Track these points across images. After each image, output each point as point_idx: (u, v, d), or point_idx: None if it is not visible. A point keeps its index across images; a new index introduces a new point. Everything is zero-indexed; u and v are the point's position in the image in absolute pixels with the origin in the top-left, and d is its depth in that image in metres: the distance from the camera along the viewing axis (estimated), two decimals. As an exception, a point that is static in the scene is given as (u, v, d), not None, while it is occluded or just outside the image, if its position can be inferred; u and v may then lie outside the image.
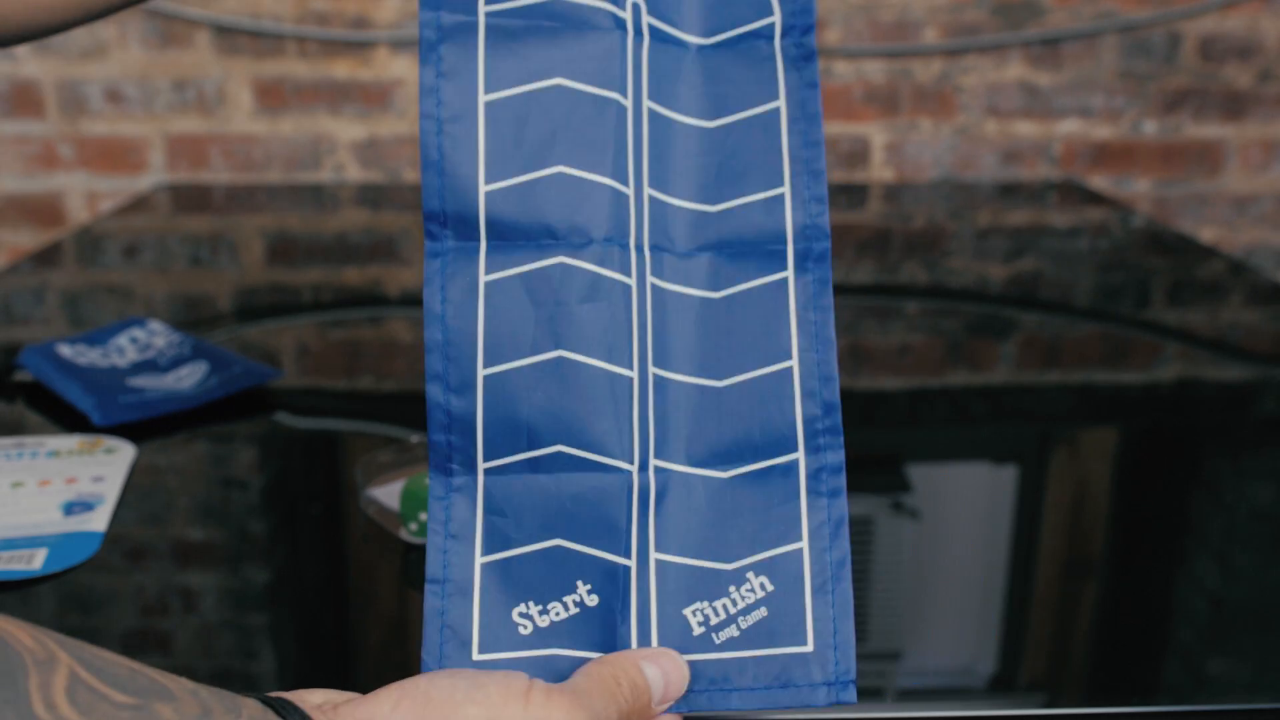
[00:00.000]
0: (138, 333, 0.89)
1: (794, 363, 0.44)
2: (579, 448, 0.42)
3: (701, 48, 0.46)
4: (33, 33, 0.56)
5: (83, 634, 0.55)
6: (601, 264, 0.43)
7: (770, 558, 0.43)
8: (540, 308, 0.43)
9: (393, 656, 0.55)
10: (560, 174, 0.44)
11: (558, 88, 0.44)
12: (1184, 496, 0.70)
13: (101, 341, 0.87)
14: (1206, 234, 1.71)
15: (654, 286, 0.44)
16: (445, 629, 0.41)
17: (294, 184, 1.56)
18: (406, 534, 0.61)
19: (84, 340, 0.87)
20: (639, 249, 0.44)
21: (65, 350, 0.85)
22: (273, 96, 1.59)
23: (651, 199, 0.45)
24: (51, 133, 1.60)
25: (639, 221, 0.44)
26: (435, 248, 0.43)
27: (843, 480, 0.43)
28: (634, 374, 0.43)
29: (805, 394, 0.44)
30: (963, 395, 0.86)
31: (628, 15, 0.45)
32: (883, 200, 1.49)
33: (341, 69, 1.58)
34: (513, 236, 0.43)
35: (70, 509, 0.65)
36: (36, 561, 0.59)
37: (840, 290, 1.09)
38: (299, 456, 0.77)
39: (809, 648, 0.42)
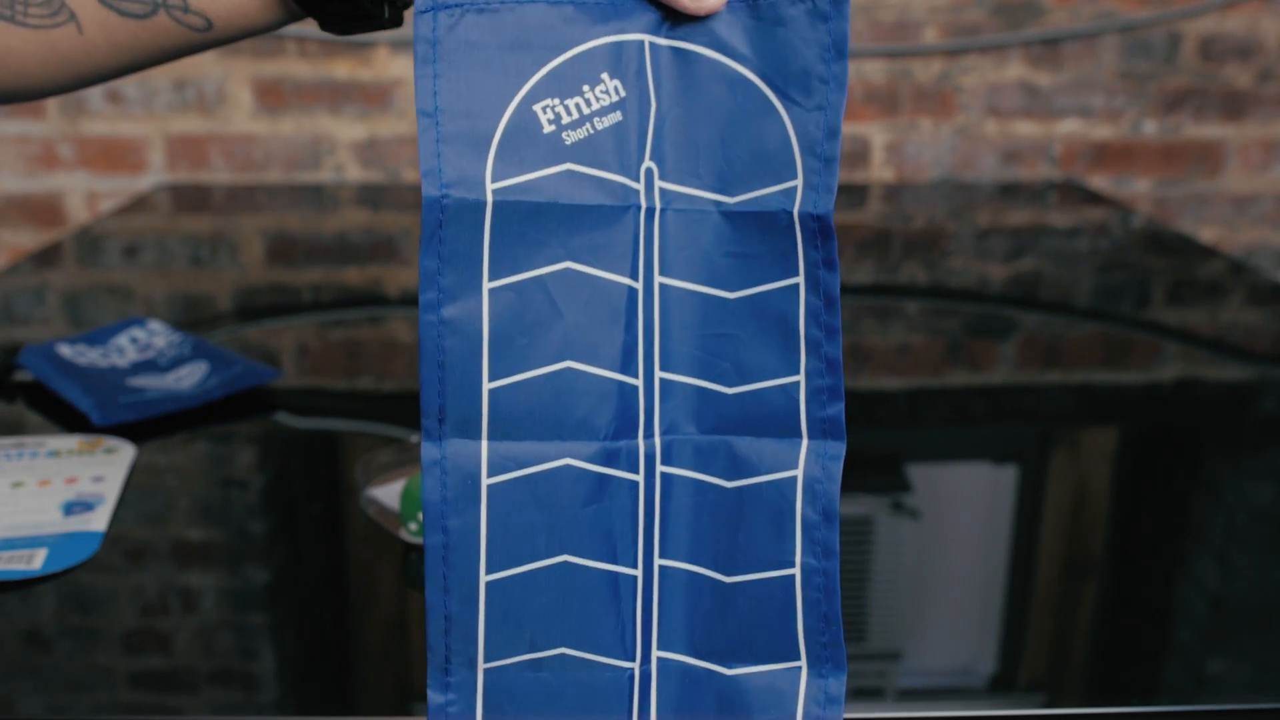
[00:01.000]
0: (138, 333, 0.89)
1: (796, 571, 0.43)
2: (582, 650, 0.42)
3: (724, 211, 0.43)
4: (41, 91, 0.56)
5: (83, 634, 0.55)
6: (608, 464, 0.42)
7: None
8: (545, 511, 0.42)
9: (392, 657, 0.55)
10: (568, 369, 0.42)
11: (566, 272, 0.42)
12: (1184, 496, 0.70)
13: (101, 341, 0.87)
14: (1206, 234, 1.71)
15: (664, 475, 0.43)
16: None
17: (294, 184, 1.56)
18: (406, 534, 0.61)
19: (84, 340, 0.87)
20: (649, 437, 0.43)
21: (65, 350, 0.85)
22: (273, 96, 1.59)
23: (664, 383, 0.43)
24: (51, 133, 1.60)
25: (649, 409, 0.43)
26: (434, 447, 0.41)
27: (840, 706, 0.43)
28: (639, 571, 0.43)
29: (807, 606, 0.43)
30: (963, 395, 0.86)
31: (640, 185, 0.43)
32: (883, 200, 1.49)
33: (341, 69, 1.58)
34: (517, 435, 0.42)
35: (70, 509, 0.65)
36: (36, 561, 0.59)
37: (841, 290, 1.09)
38: (299, 456, 0.77)
39: None
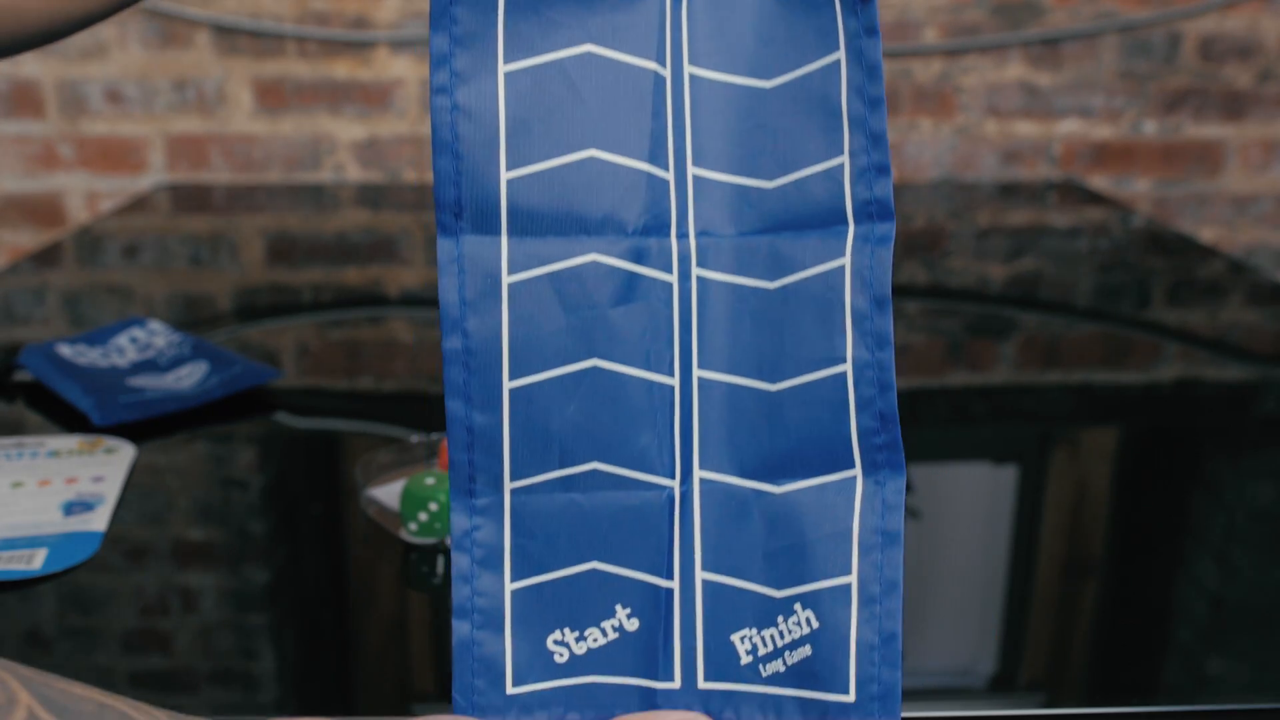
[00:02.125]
0: (138, 333, 0.89)
1: (848, 367, 0.40)
2: (616, 464, 0.39)
3: None
4: (24, 42, 0.55)
5: (83, 634, 0.55)
6: (639, 260, 0.39)
7: (817, 590, 0.39)
8: (571, 312, 0.39)
9: (392, 657, 0.55)
10: (592, 159, 0.39)
11: (587, 55, 0.39)
12: (1184, 496, 0.70)
13: (101, 341, 0.87)
14: (1206, 234, 1.71)
15: (700, 279, 0.39)
16: (476, 663, 0.39)
17: (294, 184, 1.56)
18: (406, 534, 0.61)
19: (84, 340, 0.87)
20: (682, 237, 0.39)
21: (65, 350, 0.85)
22: (273, 96, 1.59)
23: (697, 179, 0.40)
24: (51, 133, 1.60)
25: (681, 207, 0.39)
26: (450, 244, 0.38)
27: (900, 512, 0.40)
28: (675, 380, 0.39)
29: (860, 404, 0.40)
30: (963, 395, 0.86)
31: None
32: (883, 200, 1.49)
33: (341, 69, 1.58)
34: (539, 230, 0.38)
35: (70, 509, 0.65)
36: (36, 561, 0.59)
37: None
38: (299, 456, 0.77)
39: (850, 698, 0.39)
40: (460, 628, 0.39)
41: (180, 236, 1.31)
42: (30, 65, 1.57)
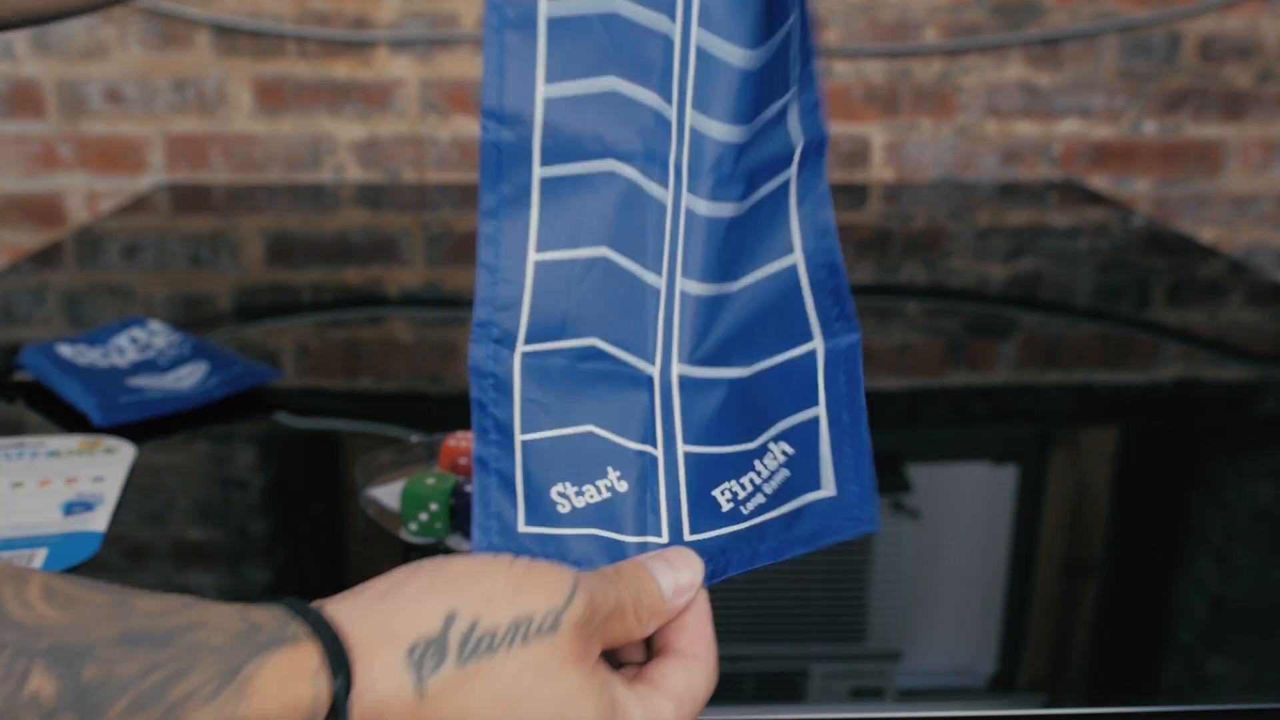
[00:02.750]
0: (138, 333, 0.89)
1: (797, 256, 0.46)
2: (610, 343, 0.45)
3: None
4: (29, 19, 0.56)
5: (83, 634, 0.55)
6: (645, 176, 0.45)
7: (790, 426, 0.45)
8: (589, 205, 0.44)
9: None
10: (613, 90, 0.45)
11: (614, 16, 0.45)
12: (1184, 496, 0.70)
13: (101, 341, 0.87)
14: (1206, 234, 1.71)
15: (687, 208, 0.45)
16: (491, 505, 0.43)
17: (294, 184, 1.56)
18: (406, 534, 0.61)
19: (84, 340, 0.87)
20: (677, 170, 0.45)
21: (65, 350, 0.85)
22: (273, 96, 1.59)
23: (692, 129, 0.46)
24: (51, 133, 1.60)
25: (679, 145, 0.45)
26: (491, 140, 0.44)
27: (858, 354, 0.46)
28: (662, 283, 0.45)
29: (813, 285, 0.46)
30: (963, 395, 0.86)
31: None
32: (883, 200, 1.49)
33: (341, 69, 1.58)
34: (566, 140, 0.44)
35: (70, 509, 0.65)
36: (36, 561, 0.59)
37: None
38: (299, 456, 0.77)
39: (831, 491, 0.44)
40: (480, 475, 0.43)
41: (180, 236, 1.31)
42: (30, 65, 1.57)
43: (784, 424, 0.45)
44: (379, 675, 0.32)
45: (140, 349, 0.87)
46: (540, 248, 0.44)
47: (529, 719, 0.34)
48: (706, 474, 0.44)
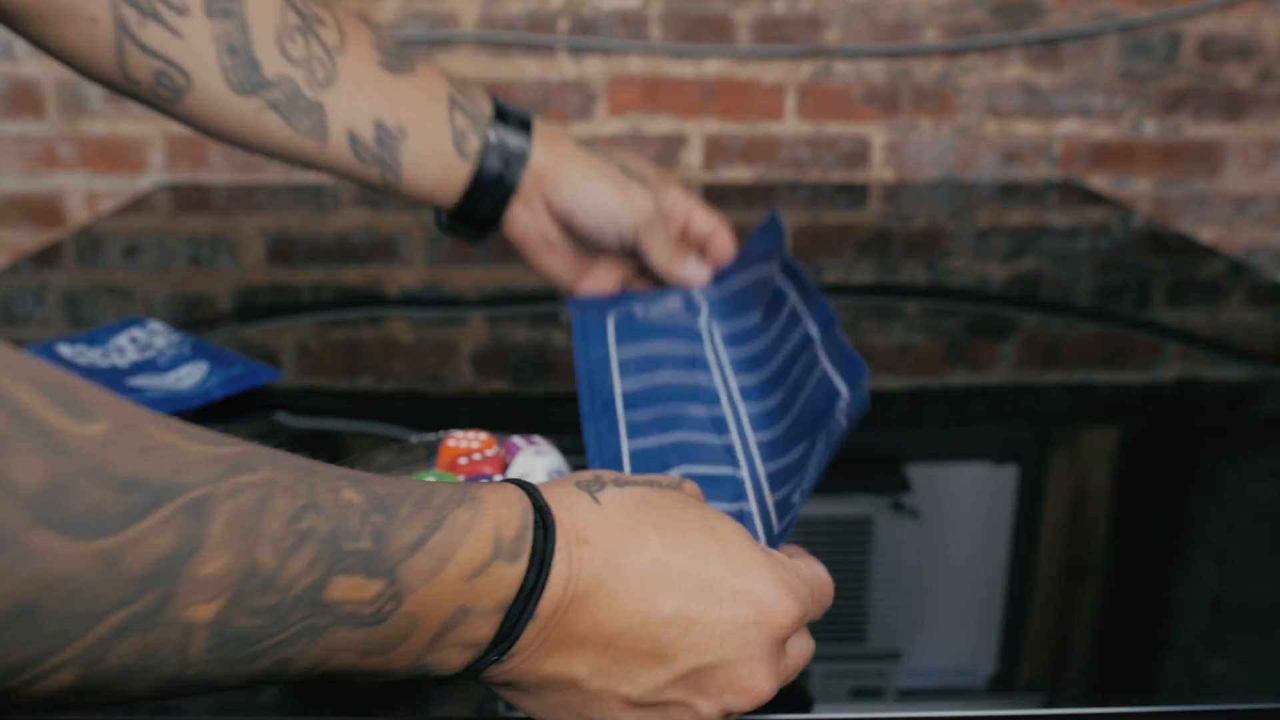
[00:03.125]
0: (138, 333, 0.89)
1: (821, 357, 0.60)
2: (696, 465, 0.57)
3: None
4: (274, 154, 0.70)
5: (83, 634, 0.55)
6: (706, 406, 0.62)
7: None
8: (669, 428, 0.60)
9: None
10: (667, 380, 0.64)
11: (663, 354, 0.67)
12: (1184, 496, 0.70)
13: (101, 341, 0.87)
14: (1206, 234, 1.71)
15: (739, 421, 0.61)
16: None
17: (294, 184, 1.56)
18: (406, 534, 0.61)
19: (84, 340, 0.87)
20: (733, 408, 0.62)
21: (65, 350, 0.85)
22: (273, 96, 1.59)
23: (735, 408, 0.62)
24: (51, 133, 1.60)
25: (733, 411, 0.62)
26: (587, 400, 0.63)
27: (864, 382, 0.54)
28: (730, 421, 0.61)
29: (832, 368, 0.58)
30: (963, 395, 0.86)
31: (703, 325, 0.72)
32: (883, 200, 1.49)
33: (341, 69, 1.58)
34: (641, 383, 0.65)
35: (70, 509, 0.64)
36: (36, 561, 0.59)
37: (841, 290, 1.09)
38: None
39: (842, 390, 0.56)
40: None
41: (180, 236, 1.31)
42: (30, 65, 1.57)
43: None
44: (561, 494, 0.42)
45: (140, 349, 0.87)
46: (630, 437, 0.59)
47: (692, 540, 0.42)
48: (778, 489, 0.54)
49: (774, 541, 0.50)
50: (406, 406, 0.82)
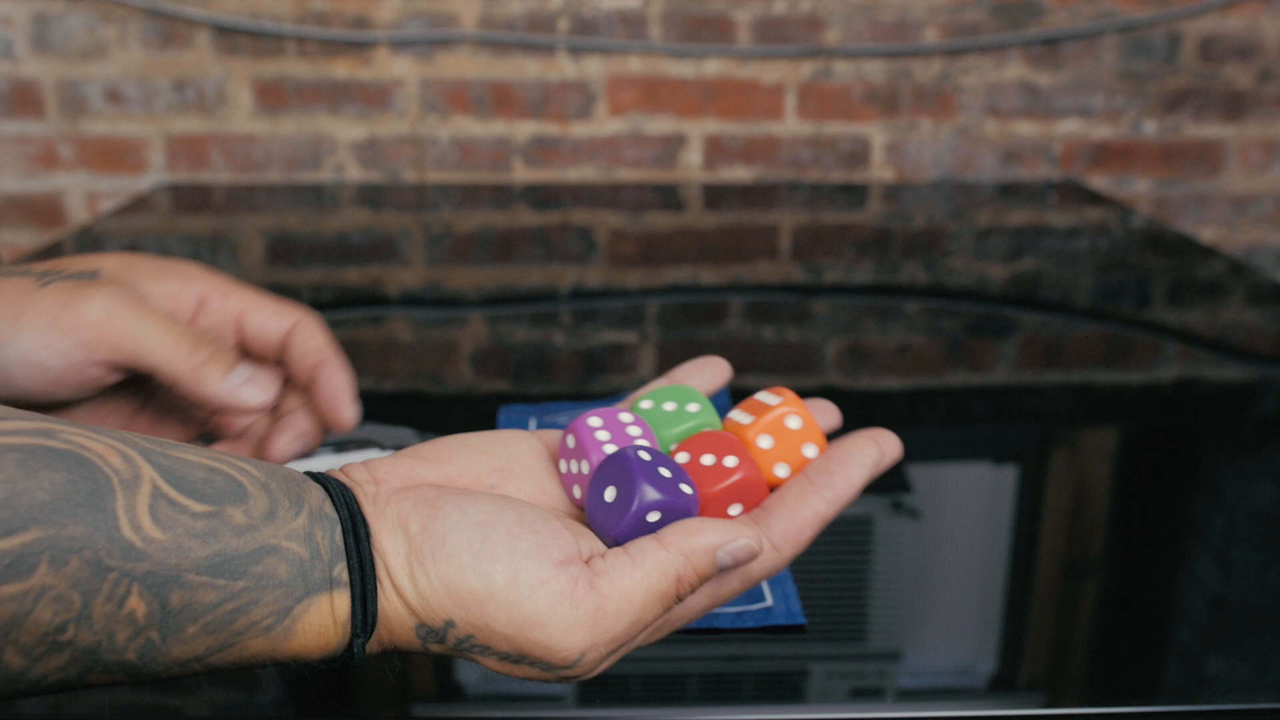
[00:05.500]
0: (138, 333, 0.89)
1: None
2: None
3: None
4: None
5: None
6: None
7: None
8: None
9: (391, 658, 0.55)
10: None
11: None
12: (1184, 496, 0.70)
13: (101, 341, 0.87)
14: (1206, 234, 1.71)
15: None
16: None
17: (294, 184, 1.56)
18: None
19: (84, 340, 0.87)
20: None
21: (65, 350, 0.84)
22: (273, 96, 1.59)
23: None
24: (51, 133, 1.60)
25: None
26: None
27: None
28: None
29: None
30: (963, 395, 0.86)
31: None
32: (883, 200, 1.49)
33: (341, 69, 1.58)
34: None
35: (70, 509, 0.64)
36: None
37: (840, 290, 1.09)
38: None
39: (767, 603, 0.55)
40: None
41: (180, 236, 1.31)
42: (30, 65, 1.57)
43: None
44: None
45: (140, 349, 0.87)
46: None
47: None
48: None
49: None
50: (406, 406, 0.82)
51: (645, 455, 0.40)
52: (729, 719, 0.50)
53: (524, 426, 0.73)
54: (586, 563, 0.38)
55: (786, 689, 0.52)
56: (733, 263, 1.19)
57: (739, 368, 0.91)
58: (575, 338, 0.96)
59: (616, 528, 0.39)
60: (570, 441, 0.43)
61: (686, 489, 0.40)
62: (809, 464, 0.44)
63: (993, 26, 1.60)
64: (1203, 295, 1.09)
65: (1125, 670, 0.53)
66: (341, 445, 0.71)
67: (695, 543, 0.38)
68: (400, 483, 0.40)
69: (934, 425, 0.81)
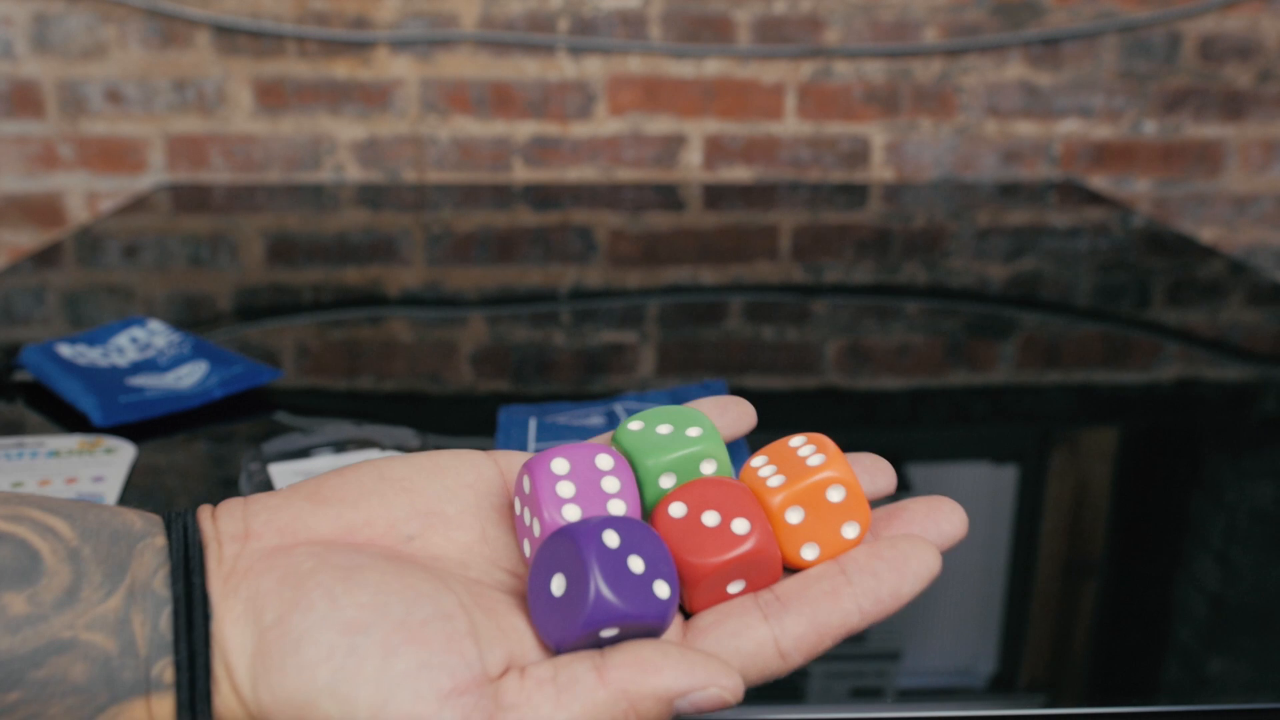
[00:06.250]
0: (138, 332, 0.89)
1: None
2: None
3: None
4: None
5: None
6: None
7: None
8: None
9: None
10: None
11: None
12: (1184, 496, 0.70)
13: (101, 341, 0.87)
14: (1206, 234, 1.71)
15: None
16: None
17: (294, 184, 1.56)
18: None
19: (84, 340, 0.87)
20: None
21: (65, 350, 0.85)
22: (273, 96, 1.59)
23: None
24: (51, 133, 1.60)
25: None
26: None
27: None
28: None
29: None
30: (963, 395, 0.86)
31: None
32: (883, 200, 1.49)
33: (341, 69, 1.58)
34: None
35: (70, 509, 0.64)
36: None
37: (840, 290, 1.09)
38: (299, 456, 0.77)
39: None
40: None
41: (180, 236, 1.31)
42: (30, 65, 1.57)
43: None
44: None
45: (140, 349, 0.87)
46: None
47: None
48: None
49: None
50: (406, 406, 0.82)
51: (612, 538, 0.30)
52: (729, 719, 0.50)
53: (524, 426, 0.73)
54: (500, 677, 0.28)
55: (786, 689, 0.52)
56: (733, 263, 1.19)
57: (739, 368, 0.91)
58: (575, 338, 0.96)
59: (558, 634, 0.30)
60: (525, 485, 0.33)
61: (663, 590, 0.30)
62: (847, 548, 0.33)
63: (993, 26, 1.60)
64: (1203, 295, 1.09)
65: (1125, 670, 0.53)
66: (341, 445, 0.71)
67: (647, 685, 0.28)
68: (277, 539, 0.31)
69: (934, 425, 0.81)
